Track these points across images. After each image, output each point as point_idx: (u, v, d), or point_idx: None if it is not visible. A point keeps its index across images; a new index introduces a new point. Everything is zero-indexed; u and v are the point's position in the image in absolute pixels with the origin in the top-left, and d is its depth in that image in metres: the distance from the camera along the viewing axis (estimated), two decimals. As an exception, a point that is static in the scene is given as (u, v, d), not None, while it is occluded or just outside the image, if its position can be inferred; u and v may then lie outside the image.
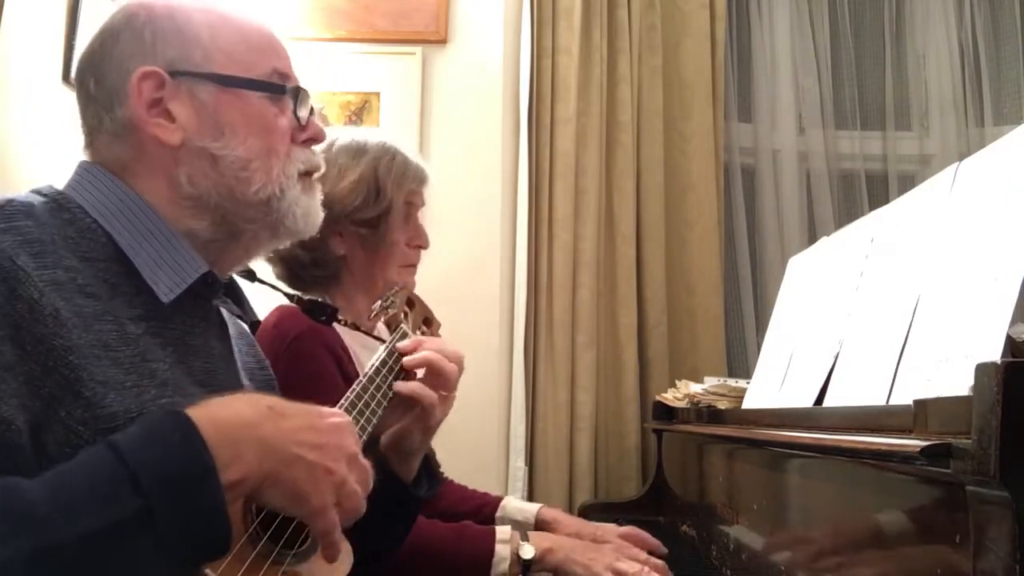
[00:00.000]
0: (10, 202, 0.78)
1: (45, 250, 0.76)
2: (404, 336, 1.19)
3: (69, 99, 1.82)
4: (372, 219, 1.49)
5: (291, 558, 0.81)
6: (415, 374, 1.13)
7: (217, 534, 0.65)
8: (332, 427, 0.77)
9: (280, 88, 0.94)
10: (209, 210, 0.91)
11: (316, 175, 1.00)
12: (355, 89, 2.51)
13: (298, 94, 0.96)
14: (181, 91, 0.89)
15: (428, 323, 1.33)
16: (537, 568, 1.43)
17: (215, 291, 0.95)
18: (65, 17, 1.82)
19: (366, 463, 0.80)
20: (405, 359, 1.11)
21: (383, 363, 1.09)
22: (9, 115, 1.64)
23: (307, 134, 0.97)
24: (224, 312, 1.01)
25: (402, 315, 1.23)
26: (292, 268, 1.51)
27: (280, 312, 1.39)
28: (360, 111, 2.51)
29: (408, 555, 1.27)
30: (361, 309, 1.56)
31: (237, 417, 0.70)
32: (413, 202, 1.56)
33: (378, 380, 1.06)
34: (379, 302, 1.24)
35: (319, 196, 1.01)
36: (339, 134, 1.54)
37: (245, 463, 0.68)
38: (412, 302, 1.31)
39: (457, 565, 1.39)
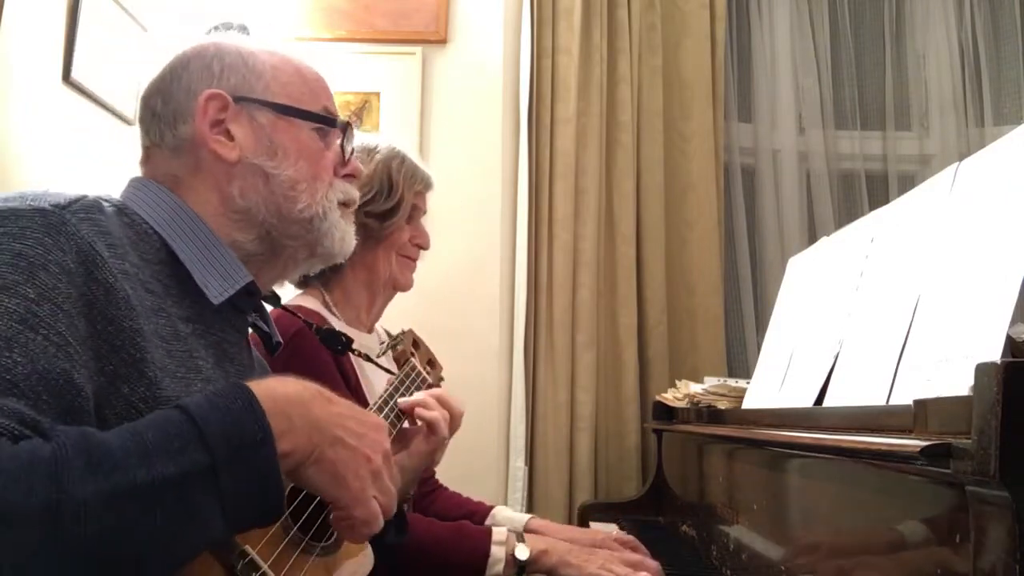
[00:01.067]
0: (85, 196, 0.83)
1: (115, 243, 0.82)
2: (413, 368, 1.27)
3: (69, 99, 1.83)
4: (382, 212, 1.54)
5: (319, 549, 0.86)
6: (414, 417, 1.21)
7: (270, 496, 0.70)
8: (372, 423, 0.83)
9: (331, 122, 1.03)
10: (256, 224, 0.98)
11: (352, 208, 1.07)
12: (355, 89, 2.52)
13: (347, 129, 1.05)
14: (242, 115, 0.97)
15: (432, 364, 1.39)
16: (532, 570, 1.44)
17: (253, 304, 1.02)
18: (65, 17, 1.82)
19: (394, 467, 0.85)
20: (400, 401, 1.18)
21: (391, 396, 1.16)
22: (9, 115, 1.64)
23: (348, 169, 1.06)
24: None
25: (410, 353, 1.31)
26: None
27: (279, 311, 1.41)
28: (360, 111, 2.51)
29: (405, 551, 1.28)
30: (360, 304, 1.58)
31: (292, 395, 0.76)
32: (418, 205, 1.61)
33: (386, 410, 1.12)
34: (386, 341, 1.32)
35: (353, 226, 1.07)
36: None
37: (295, 437, 0.73)
38: (417, 343, 1.38)
39: (453, 563, 1.41)
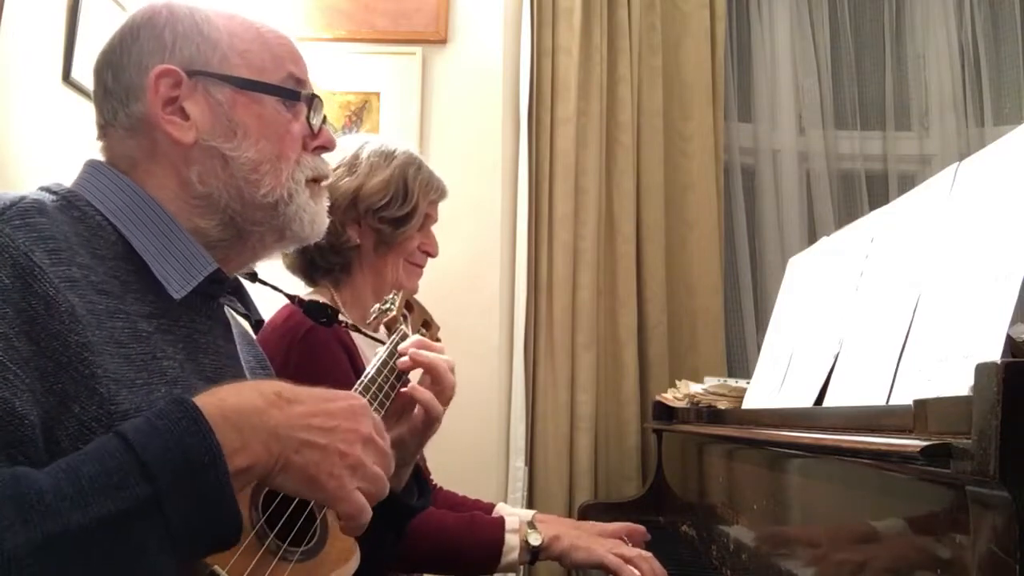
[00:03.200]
0: (23, 199, 0.77)
1: (59, 247, 0.76)
2: (404, 337, 1.20)
3: (69, 99, 1.83)
4: (395, 218, 1.55)
5: (299, 555, 0.82)
6: (411, 379, 1.15)
7: (224, 521, 0.66)
8: (344, 410, 0.77)
9: (294, 94, 0.95)
10: (218, 210, 0.91)
11: (324, 183, 1.01)
12: (355, 89, 2.51)
13: (312, 101, 0.97)
14: (197, 91, 0.90)
15: (427, 326, 1.35)
16: (544, 556, 1.46)
17: (222, 289, 0.95)
18: (65, 17, 1.82)
19: (384, 444, 0.80)
20: (400, 360, 1.11)
21: (384, 363, 1.10)
22: (9, 115, 1.64)
23: (318, 141, 0.98)
24: (228, 311, 1.01)
25: (401, 317, 1.24)
26: (308, 253, 1.54)
27: (291, 308, 1.41)
28: (360, 111, 2.51)
29: (420, 544, 1.30)
30: (367, 304, 1.58)
31: (244, 405, 0.70)
32: (431, 213, 1.63)
33: (379, 380, 1.07)
34: (377, 305, 1.25)
35: (326, 202, 1.02)
36: (368, 139, 1.62)
37: (252, 451, 0.68)
38: (411, 305, 1.33)
39: (468, 554, 1.42)
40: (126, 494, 0.60)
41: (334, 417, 0.75)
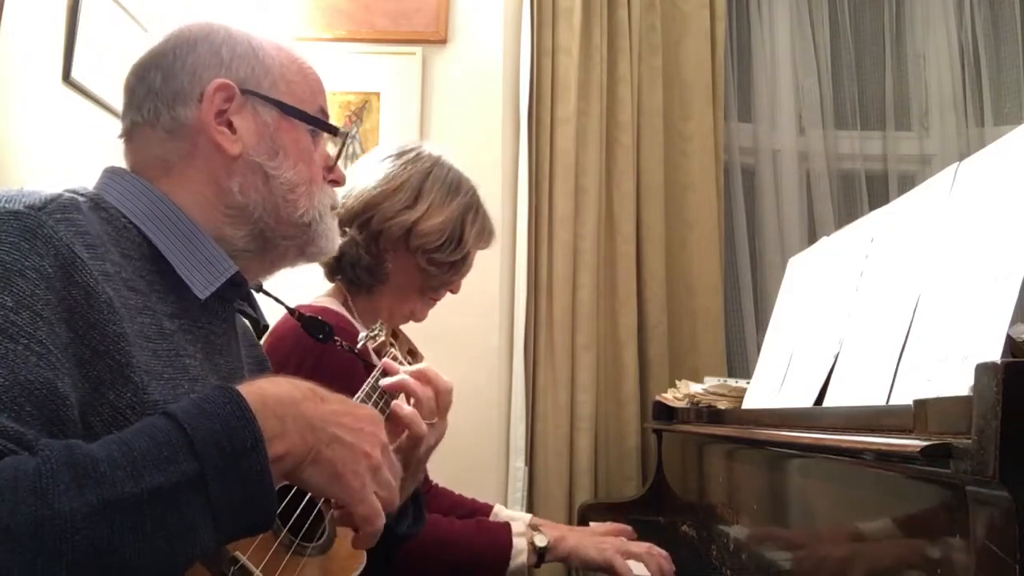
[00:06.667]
0: (60, 195, 0.80)
1: (95, 243, 0.79)
2: (394, 359, 1.22)
3: (69, 99, 1.83)
4: (446, 263, 1.52)
5: (310, 549, 0.85)
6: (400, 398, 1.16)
7: (262, 504, 0.68)
8: (368, 416, 0.81)
9: (332, 128, 1.02)
10: (251, 222, 0.96)
11: (335, 210, 1.07)
12: (355, 89, 2.51)
13: (345, 138, 1.05)
14: (247, 108, 0.95)
15: (413, 354, 1.36)
16: (551, 556, 1.49)
17: (239, 293, 0.99)
18: (65, 17, 1.82)
19: (395, 458, 0.83)
20: (383, 381, 1.12)
21: (373, 388, 1.13)
22: (9, 115, 1.64)
23: (333, 176, 1.05)
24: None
25: (389, 344, 1.27)
26: (342, 260, 1.52)
27: (293, 324, 1.41)
28: (360, 111, 2.51)
29: (429, 550, 1.31)
30: (379, 318, 1.58)
31: (283, 395, 0.74)
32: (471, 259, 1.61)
33: (370, 404, 1.08)
34: (365, 332, 1.28)
35: (336, 224, 1.07)
36: (438, 162, 1.56)
37: (289, 439, 0.71)
38: (396, 334, 1.35)
39: (478, 557, 1.44)
40: (175, 468, 0.63)
41: (360, 420, 0.79)
